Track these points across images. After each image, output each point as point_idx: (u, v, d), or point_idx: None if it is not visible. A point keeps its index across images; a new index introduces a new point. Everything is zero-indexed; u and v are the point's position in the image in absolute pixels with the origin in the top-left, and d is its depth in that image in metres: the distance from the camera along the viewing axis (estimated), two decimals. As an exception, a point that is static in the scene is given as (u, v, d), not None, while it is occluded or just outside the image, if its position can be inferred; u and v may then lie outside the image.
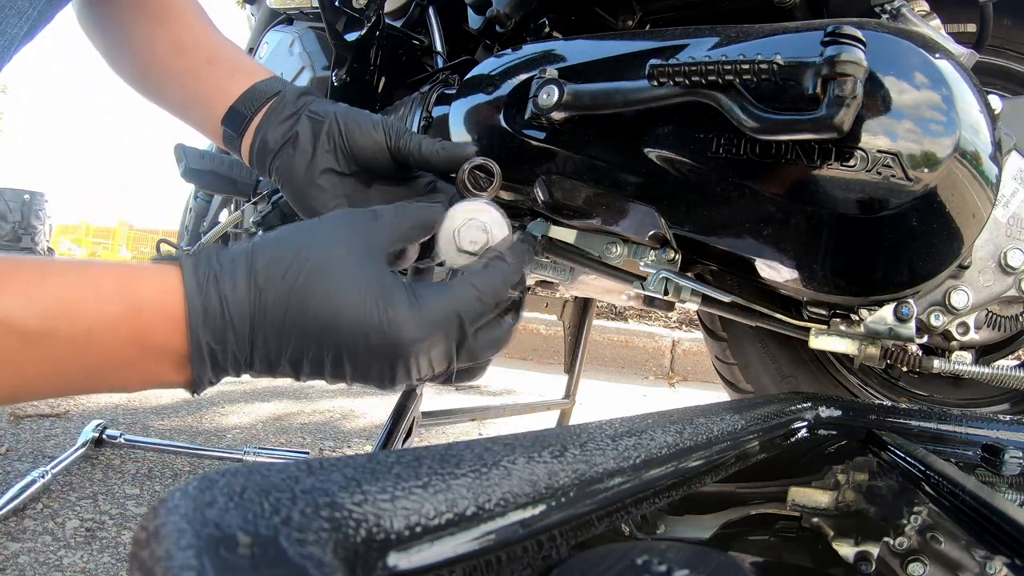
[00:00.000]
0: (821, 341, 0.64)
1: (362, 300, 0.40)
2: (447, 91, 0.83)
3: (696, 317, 1.12)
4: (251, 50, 1.40)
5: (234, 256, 0.41)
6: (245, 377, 0.44)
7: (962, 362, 0.65)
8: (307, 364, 0.42)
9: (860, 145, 0.51)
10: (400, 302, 0.41)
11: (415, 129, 0.82)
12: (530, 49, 0.73)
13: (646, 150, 0.60)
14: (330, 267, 0.41)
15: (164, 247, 1.51)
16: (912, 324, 0.58)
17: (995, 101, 0.54)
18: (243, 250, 0.41)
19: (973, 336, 0.65)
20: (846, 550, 0.32)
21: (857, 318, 0.61)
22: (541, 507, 0.26)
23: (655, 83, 0.54)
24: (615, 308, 3.75)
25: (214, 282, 0.40)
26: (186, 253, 0.41)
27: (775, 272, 0.58)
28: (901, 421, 0.59)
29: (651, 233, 0.64)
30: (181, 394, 1.60)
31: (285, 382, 1.89)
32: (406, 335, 0.41)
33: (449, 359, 0.44)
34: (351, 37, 0.90)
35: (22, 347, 0.36)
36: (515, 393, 2.24)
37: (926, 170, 0.50)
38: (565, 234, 0.73)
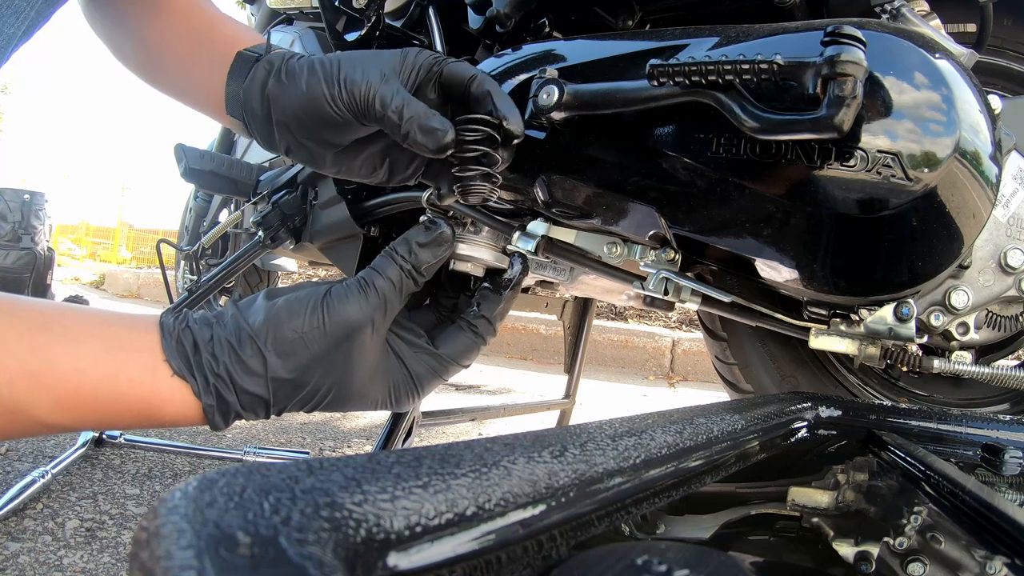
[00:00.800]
0: (821, 341, 0.64)
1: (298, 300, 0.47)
2: (447, 91, 0.83)
3: (696, 317, 1.12)
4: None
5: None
6: None
7: (962, 362, 0.65)
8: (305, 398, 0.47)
9: (860, 145, 0.51)
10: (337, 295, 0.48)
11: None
12: (530, 49, 0.73)
13: (646, 150, 0.60)
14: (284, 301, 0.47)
15: (164, 247, 1.51)
16: (912, 324, 0.58)
17: (995, 101, 0.54)
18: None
19: (973, 336, 0.65)
20: (846, 550, 0.32)
21: (857, 318, 0.61)
22: (541, 507, 0.26)
23: (655, 83, 0.54)
24: (615, 308, 3.75)
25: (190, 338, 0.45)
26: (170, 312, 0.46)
27: (775, 272, 0.58)
28: (901, 421, 0.59)
29: (651, 233, 0.64)
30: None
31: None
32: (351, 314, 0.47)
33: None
34: (351, 37, 0.90)
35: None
36: (515, 393, 2.24)
37: (926, 170, 0.50)
38: (565, 234, 0.73)
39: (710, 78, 0.51)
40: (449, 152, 0.52)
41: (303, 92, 0.53)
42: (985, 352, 0.75)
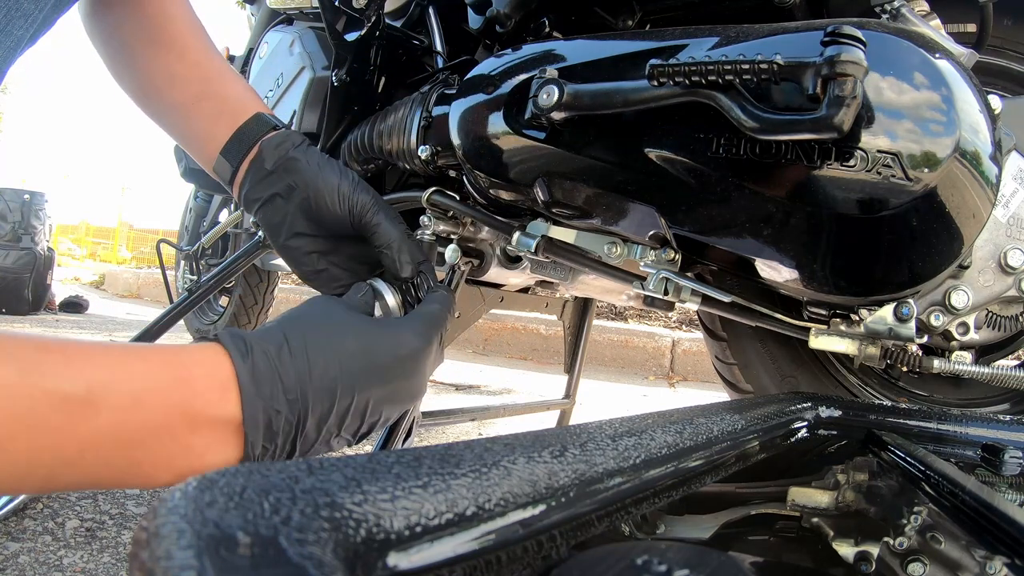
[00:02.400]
0: (821, 341, 0.64)
1: (379, 337, 0.48)
2: (447, 91, 0.83)
3: (696, 317, 1.12)
4: (251, 50, 1.40)
5: (264, 330, 0.45)
6: None
7: (962, 362, 0.65)
8: (355, 413, 0.46)
9: (860, 145, 0.51)
10: (403, 329, 0.51)
11: (415, 130, 0.82)
12: (530, 49, 0.73)
13: (646, 150, 0.60)
14: (346, 329, 0.48)
15: (164, 247, 1.51)
16: (912, 324, 0.58)
17: (995, 101, 0.54)
18: (268, 327, 0.46)
19: (973, 336, 0.65)
20: (846, 550, 0.32)
21: (857, 318, 0.61)
22: (541, 507, 0.26)
23: (655, 83, 0.54)
24: (615, 308, 3.75)
25: (260, 351, 0.42)
26: (222, 331, 0.44)
27: (775, 272, 0.58)
28: (901, 421, 0.59)
29: (651, 233, 0.64)
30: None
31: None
32: (414, 344, 0.50)
33: (438, 353, 0.54)
34: (351, 37, 0.90)
35: (64, 420, 0.35)
36: (515, 393, 2.24)
37: (926, 170, 0.50)
38: (565, 234, 0.73)
39: (710, 78, 0.51)
40: (407, 275, 0.62)
41: (330, 179, 0.62)
42: (985, 352, 0.75)
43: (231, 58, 1.57)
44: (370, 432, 0.49)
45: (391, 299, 0.59)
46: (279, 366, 0.42)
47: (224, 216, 1.94)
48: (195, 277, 1.97)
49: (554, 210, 0.70)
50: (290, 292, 4.00)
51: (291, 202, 0.62)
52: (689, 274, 0.68)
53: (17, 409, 0.34)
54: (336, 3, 0.88)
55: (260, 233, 1.02)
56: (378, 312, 0.58)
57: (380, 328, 0.50)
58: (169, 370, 0.39)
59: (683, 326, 3.62)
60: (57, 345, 0.37)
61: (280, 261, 1.98)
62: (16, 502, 0.88)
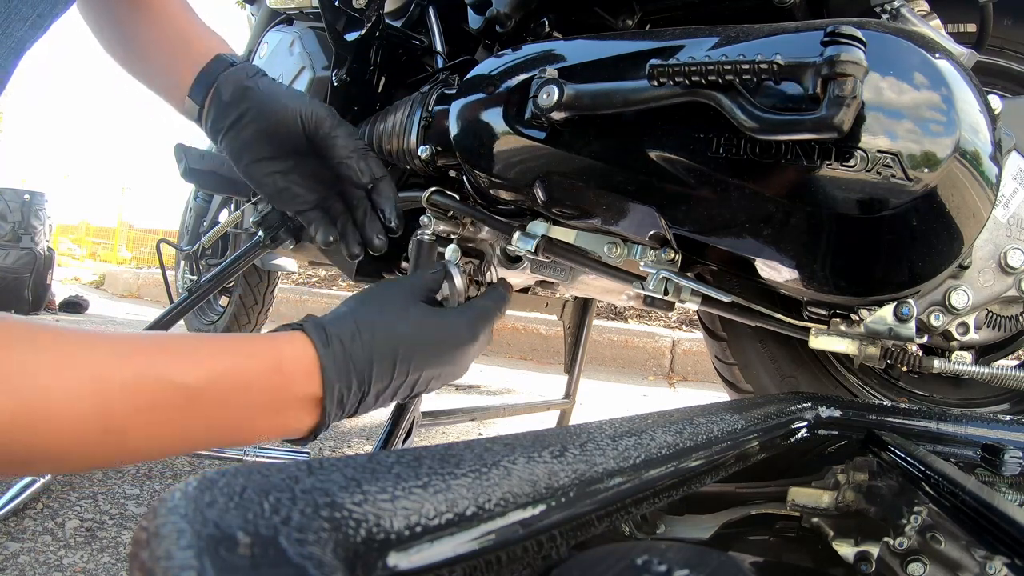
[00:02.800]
0: (821, 341, 0.64)
1: (435, 328, 0.56)
2: (447, 91, 0.83)
3: (696, 317, 1.12)
4: (251, 50, 1.40)
5: (338, 318, 0.53)
6: None
7: (962, 362, 0.65)
8: (406, 386, 0.55)
9: (860, 145, 0.51)
10: (457, 322, 0.59)
11: (415, 130, 0.82)
12: (530, 49, 0.73)
13: (646, 150, 0.60)
14: (407, 317, 0.56)
15: (164, 247, 1.51)
16: (912, 324, 0.58)
17: (995, 101, 0.54)
18: (342, 315, 0.54)
19: (973, 336, 0.65)
20: (846, 550, 0.32)
21: (857, 318, 0.61)
22: (541, 507, 0.26)
23: (655, 83, 0.54)
24: (615, 308, 3.75)
25: (336, 339, 0.50)
26: (305, 321, 0.52)
27: (775, 272, 0.58)
28: (901, 421, 0.59)
29: (651, 233, 0.64)
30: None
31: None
32: (464, 336, 0.58)
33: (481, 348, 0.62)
34: (351, 37, 0.90)
35: (187, 404, 0.42)
36: (515, 393, 2.24)
37: (926, 170, 0.50)
38: (565, 234, 0.73)
39: (710, 78, 0.51)
40: (368, 184, 0.69)
41: (282, 100, 0.68)
42: (985, 352, 0.75)
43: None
44: (417, 396, 0.61)
45: (459, 282, 0.64)
46: (351, 353, 0.51)
47: (224, 216, 1.94)
48: (195, 277, 1.97)
49: (554, 210, 0.70)
50: (290, 292, 4.01)
51: (248, 127, 0.69)
52: (689, 274, 0.68)
53: (139, 402, 0.40)
54: (336, 3, 0.88)
55: (260, 233, 1.02)
56: (445, 292, 0.63)
57: (437, 318, 0.58)
58: (267, 360, 0.47)
59: (683, 326, 3.62)
60: (171, 341, 0.44)
61: (280, 261, 1.98)
62: (16, 502, 0.88)
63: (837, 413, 0.59)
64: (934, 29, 0.61)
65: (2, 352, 0.37)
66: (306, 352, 0.49)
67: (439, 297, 0.63)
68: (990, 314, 0.68)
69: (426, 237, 0.79)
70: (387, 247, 0.73)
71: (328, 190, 0.73)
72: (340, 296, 3.62)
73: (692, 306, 0.71)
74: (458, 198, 0.80)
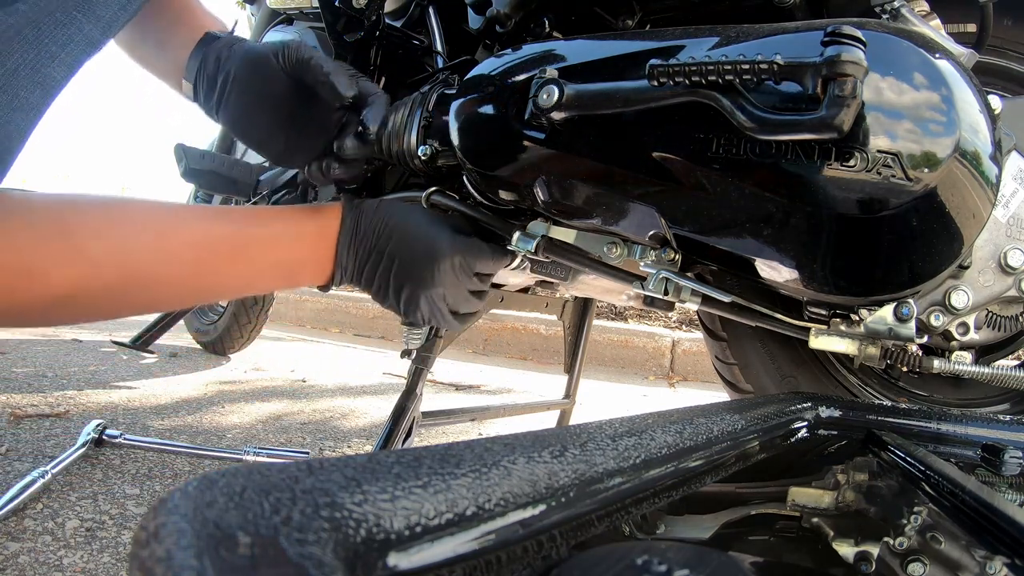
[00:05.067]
0: (821, 341, 0.64)
1: (434, 231, 0.69)
2: (447, 91, 0.83)
3: (696, 317, 1.12)
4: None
5: (374, 216, 0.68)
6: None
7: (962, 362, 0.65)
8: (395, 269, 0.68)
9: (860, 145, 0.51)
10: (445, 234, 0.70)
11: (415, 130, 0.82)
12: (530, 49, 0.73)
13: (646, 150, 0.60)
14: (416, 230, 0.69)
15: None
16: (912, 324, 0.58)
17: (995, 101, 0.54)
18: (379, 214, 0.68)
19: (973, 336, 0.65)
20: (846, 550, 0.32)
21: (857, 318, 0.61)
22: (541, 507, 0.26)
23: (655, 83, 0.54)
24: (615, 308, 3.75)
25: (359, 229, 0.68)
26: (346, 199, 0.70)
27: (775, 272, 0.58)
28: (901, 421, 0.59)
29: (651, 233, 0.64)
30: (181, 394, 1.60)
31: (284, 382, 1.89)
32: (443, 245, 0.69)
33: (460, 285, 0.71)
34: (351, 37, 0.90)
35: (256, 253, 0.62)
36: (515, 393, 2.24)
37: (926, 170, 0.50)
38: (565, 234, 0.73)
39: (710, 78, 0.51)
40: (348, 99, 0.72)
41: (257, 48, 0.72)
42: (985, 352, 0.75)
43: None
44: (395, 299, 0.70)
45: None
46: (361, 240, 0.67)
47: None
48: (195, 277, 1.97)
49: (554, 210, 0.70)
50: (289, 292, 4.01)
51: (234, 89, 0.71)
52: (689, 274, 0.68)
53: (224, 253, 0.61)
54: (336, 3, 0.88)
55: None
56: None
57: (432, 233, 0.69)
58: (310, 226, 0.67)
59: (683, 326, 3.62)
60: (248, 212, 0.65)
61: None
62: (16, 502, 0.88)
63: (837, 413, 0.59)
64: (934, 29, 0.61)
65: (112, 227, 0.52)
66: (333, 225, 0.67)
67: None
68: (990, 314, 0.68)
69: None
70: (357, 158, 0.76)
71: (326, 137, 0.76)
72: (340, 296, 3.62)
73: (692, 306, 0.71)
74: (458, 198, 0.80)
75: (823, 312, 0.64)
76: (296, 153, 0.75)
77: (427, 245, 0.68)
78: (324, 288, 0.70)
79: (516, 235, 0.75)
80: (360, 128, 0.73)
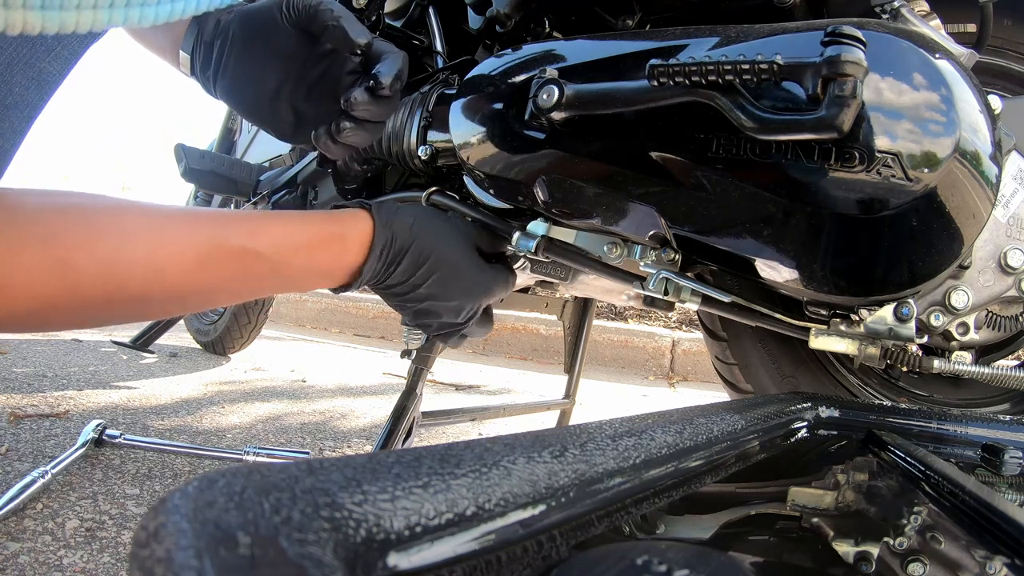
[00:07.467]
0: (821, 341, 0.64)
1: (455, 254, 0.68)
2: (447, 91, 0.83)
3: (696, 317, 1.12)
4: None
5: (402, 222, 0.64)
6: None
7: (962, 362, 0.65)
8: (423, 286, 0.66)
9: (860, 145, 0.51)
10: (487, 270, 0.71)
11: (415, 130, 0.82)
12: (530, 49, 0.73)
13: (646, 150, 0.60)
14: (443, 241, 0.67)
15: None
16: (912, 324, 0.58)
17: (995, 101, 0.54)
18: (406, 220, 0.65)
19: (973, 336, 0.65)
20: (846, 550, 0.32)
21: (857, 318, 0.61)
22: (541, 507, 0.26)
23: (655, 83, 0.54)
24: (615, 308, 3.75)
25: (390, 233, 0.63)
26: (373, 204, 0.65)
27: (775, 272, 0.58)
28: (901, 421, 0.59)
29: (651, 233, 0.64)
30: (181, 394, 1.60)
31: (284, 382, 1.89)
32: (484, 278, 0.70)
33: (481, 312, 0.73)
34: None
35: (268, 270, 0.58)
36: (515, 393, 2.24)
37: (926, 170, 0.50)
38: (565, 234, 0.73)
39: (710, 78, 0.51)
40: (360, 48, 0.66)
41: (258, 6, 0.66)
42: (985, 352, 0.75)
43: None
44: (423, 302, 0.68)
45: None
46: (392, 245, 0.64)
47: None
48: (195, 277, 1.97)
49: (554, 210, 0.70)
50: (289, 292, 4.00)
51: (233, 50, 0.67)
52: (689, 274, 0.68)
53: (232, 265, 0.55)
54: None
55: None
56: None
57: (472, 260, 0.69)
58: (334, 227, 0.62)
59: (683, 326, 3.62)
60: (265, 218, 0.59)
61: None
62: (16, 502, 0.88)
63: (837, 413, 0.59)
64: (934, 29, 0.61)
65: (100, 238, 0.49)
66: (366, 231, 0.63)
67: None
68: (990, 314, 0.68)
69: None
70: (369, 118, 0.68)
71: (334, 105, 0.69)
72: (340, 296, 3.62)
73: (692, 306, 0.71)
74: (458, 198, 0.80)
75: (823, 312, 0.64)
76: (304, 125, 0.70)
77: (469, 277, 0.68)
78: (339, 291, 0.68)
79: (516, 235, 0.75)
80: (372, 82, 0.66)
